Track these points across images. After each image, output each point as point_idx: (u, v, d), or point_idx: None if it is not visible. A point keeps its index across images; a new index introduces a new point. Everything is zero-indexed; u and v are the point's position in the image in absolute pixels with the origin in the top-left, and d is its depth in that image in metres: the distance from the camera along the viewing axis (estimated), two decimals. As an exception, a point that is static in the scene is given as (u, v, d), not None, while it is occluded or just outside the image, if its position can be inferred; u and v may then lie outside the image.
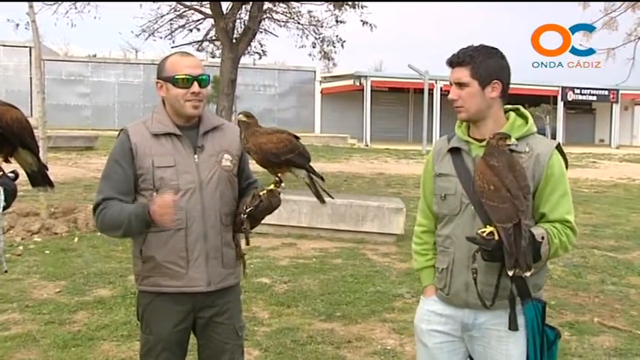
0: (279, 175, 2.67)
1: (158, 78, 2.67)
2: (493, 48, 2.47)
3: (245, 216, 2.65)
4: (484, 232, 2.23)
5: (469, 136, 2.49)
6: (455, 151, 2.50)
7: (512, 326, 2.35)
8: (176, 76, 2.60)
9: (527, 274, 2.21)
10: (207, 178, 2.65)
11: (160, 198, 2.48)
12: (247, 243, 2.76)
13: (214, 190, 2.65)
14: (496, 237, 2.20)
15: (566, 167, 2.47)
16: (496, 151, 2.29)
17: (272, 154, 2.59)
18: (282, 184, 2.67)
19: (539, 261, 2.29)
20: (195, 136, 2.68)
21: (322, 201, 2.85)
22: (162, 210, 2.45)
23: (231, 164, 2.72)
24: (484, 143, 2.39)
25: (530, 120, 2.50)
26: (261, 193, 2.64)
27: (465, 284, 2.43)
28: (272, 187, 2.66)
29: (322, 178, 2.80)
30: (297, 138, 2.72)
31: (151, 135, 2.64)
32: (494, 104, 2.45)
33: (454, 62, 2.44)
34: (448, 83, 2.53)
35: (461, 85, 2.42)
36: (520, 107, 2.55)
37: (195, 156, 2.65)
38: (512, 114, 2.52)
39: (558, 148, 2.44)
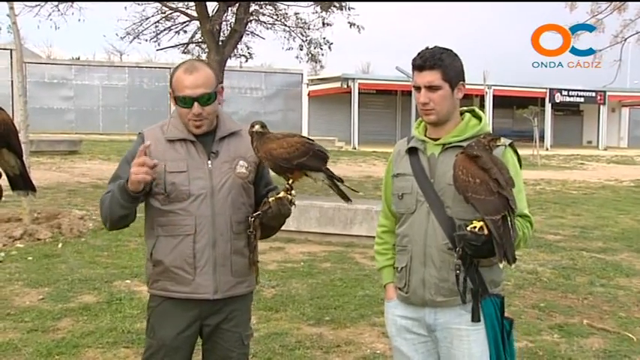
0: (289, 182, 2.61)
1: (170, 87, 2.65)
2: (451, 50, 2.53)
3: (252, 220, 2.62)
4: (474, 227, 2.25)
5: (425, 135, 2.56)
6: (412, 151, 2.56)
7: (475, 317, 2.41)
8: (177, 95, 2.57)
9: (513, 265, 2.24)
10: (220, 185, 2.61)
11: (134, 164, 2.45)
12: (251, 250, 2.71)
13: (226, 197, 2.61)
14: (485, 232, 2.23)
15: (520, 167, 2.54)
16: (477, 146, 2.32)
17: (283, 159, 2.52)
18: (293, 192, 2.61)
19: None
20: (211, 141, 2.65)
21: (348, 199, 2.78)
22: (135, 167, 2.42)
23: (246, 171, 2.67)
24: (439, 142, 2.49)
25: (484, 120, 2.58)
26: (270, 200, 2.60)
27: (421, 281, 2.49)
28: (282, 194, 2.61)
29: (341, 180, 2.71)
30: (311, 140, 2.63)
31: (166, 140, 2.61)
32: (457, 105, 2.53)
33: (425, 66, 2.45)
34: (414, 87, 2.53)
35: (433, 88, 2.45)
36: (475, 108, 2.63)
37: (209, 162, 2.62)
38: (467, 114, 2.58)
39: (511, 146, 2.51)
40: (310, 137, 2.71)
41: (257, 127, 2.58)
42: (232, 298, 2.66)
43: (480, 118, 2.57)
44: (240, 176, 2.65)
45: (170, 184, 2.57)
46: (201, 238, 2.57)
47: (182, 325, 2.63)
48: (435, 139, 2.52)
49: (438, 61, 2.43)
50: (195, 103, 2.55)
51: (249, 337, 2.80)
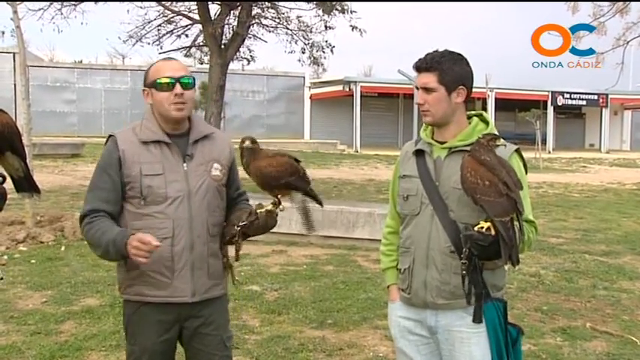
0: (278, 196, 2.68)
1: (144, 86, 2.65)
2: (459, 54, 2.55)
3: (238, 229, 2.62)
4: (482, 227, 2.26)
5: (432, 138, 2.58)
6: (419, 154, 2.59)
7: (477, 319, 2.41)
8: (158, 80, 2.57)
9: (516, 267, 2.26)
10: (196, 187, 2.61)
11: (140, 237, 2.41)
12: (237, 259, 2.75)
13: (202, 199, 2.61)
14: (493, 232, 2.24)
15: (526, 172, 2.56)
16: (482, 148, 2.33)
17: (272, 177, 2.62)
18: (281, 206, 2.68)
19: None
20: (185, 144, 2.64)
21: (311, 229, 2.92)
22: (138, 250, 2.40)
23: (220, 174, 2.69)
24: (445, 145, 2.51)
25: (491, 125, 2.58)
26: (258, 211, 2.63)
27: (423, 283, 2.51)
28: (270, 207, 2.66)
29: (321, 204, 2.84)
30: (298, 162, 2.75)
31: (140, 142, 2.60)
32: (458, 109, 2.53)
33: (421, 68, 2.50)
34: (415, 87, 2.60)
35: (428, 90, 2.49)
36: (483, 113, 2.65)
37: (185, 164, 2.61)
38: (475, 119, 2.60)
39: (518, 152, 2.53)
40: (297, 158, 2.80)
41: (247, 143, 2.66)
42: (209, 301, 2.66)
43: (487, 123, 2.58)
44: (215, 179, 2.66)
45: (146, 187, 2.55)
46: (180, 240, 2.56)
47: (162, 329, 2.62)
48: (442, 143, 2.53)
49: (435, 64, 2.47)
50: (178, 84, 2.55)
51: (231, 339, 2.80)
